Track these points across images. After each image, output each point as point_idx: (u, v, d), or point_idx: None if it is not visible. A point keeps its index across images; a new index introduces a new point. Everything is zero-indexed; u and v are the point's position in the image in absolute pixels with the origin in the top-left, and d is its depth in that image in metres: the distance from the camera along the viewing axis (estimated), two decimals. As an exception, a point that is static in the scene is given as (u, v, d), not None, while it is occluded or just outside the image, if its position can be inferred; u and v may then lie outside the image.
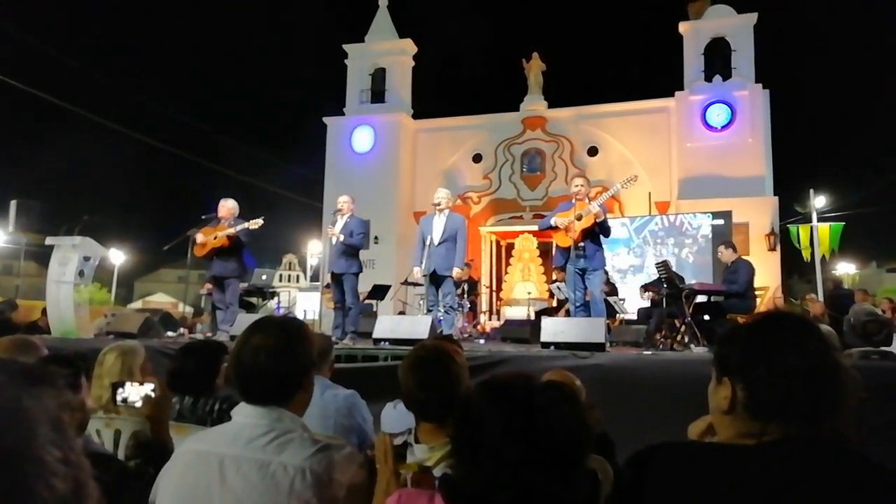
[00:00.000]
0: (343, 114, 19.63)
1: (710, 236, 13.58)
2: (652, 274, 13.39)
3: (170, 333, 8.33)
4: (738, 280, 7.36)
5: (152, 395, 2.26)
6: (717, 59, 16.66)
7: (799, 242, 15.57)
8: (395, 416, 2.82)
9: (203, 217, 8.02)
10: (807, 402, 1.14)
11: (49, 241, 8.37)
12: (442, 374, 2.05)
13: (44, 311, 8.76)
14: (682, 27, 17.15)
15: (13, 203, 12.94)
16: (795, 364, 1.15)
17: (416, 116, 19.54)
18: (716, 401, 1.24)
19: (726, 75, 16.43)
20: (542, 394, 1.27)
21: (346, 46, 19.84)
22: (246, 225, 7.69)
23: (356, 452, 1.67)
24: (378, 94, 19.53)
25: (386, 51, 19.60)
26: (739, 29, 16.67)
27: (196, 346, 3.21)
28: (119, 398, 2.28)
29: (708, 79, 16.56)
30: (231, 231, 7.63)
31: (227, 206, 7.90)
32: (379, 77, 19.67)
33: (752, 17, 16.64)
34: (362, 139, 18.99)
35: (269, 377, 1.65)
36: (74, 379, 1.97)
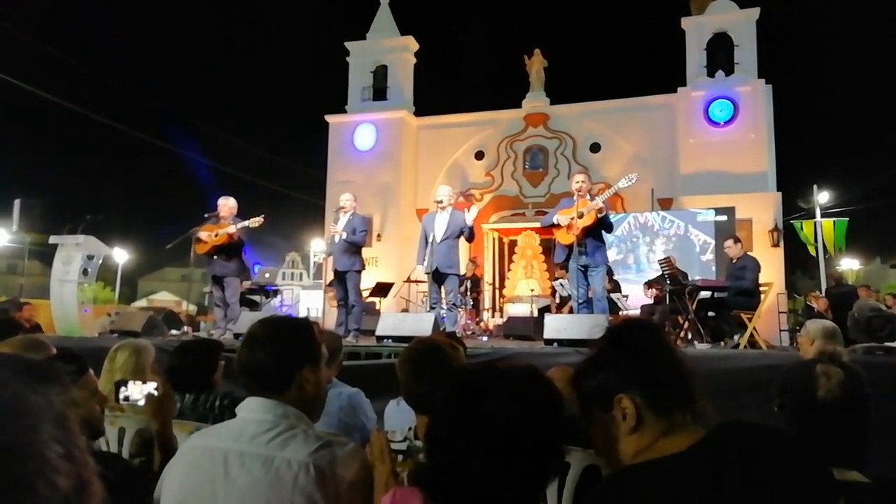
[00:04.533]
0: (345, 111, 19.60)
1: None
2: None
3: (173, 332, 8.35)
4: (746, 277, 7.32)
5: (155, 393, 2.27)
6: (720, 54, 16.56)
7: (802, 229, 15.53)
8: (399, 414, 2.83)
9: (206, 216, 8.04)
10: (688, 384, 1.25)
11: (53, 239, 8.40)
12: (436, 365, 2.04)
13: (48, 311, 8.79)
14: (685, 22, 17.07)
15: (17, 202, 12.94)
16: (666, 353, 1.27)
17: (418, 114, 19.49)
18: (617, 428, 1.25)
19: (729, 70, 16.35)
20: (495, 384, 1.27)
21: (347, 44, 19.80)
22: (246, 223, 7.70)
23: (359, 449, 1.67)
24: (380, 91, 19.48)
25: (388, 48, 19.56)
26: (742, 24, 16.59)
27: (192, 345, 3.22)
28: (122, 396, 2.29)
29: (710, 74, 16.48)
30: (231, 229, 7.65)
31: (228, 205, 7.92)
32: (381, 74, 19.62)
33: (755, 13, 16.56)
34: (364, 137, 18.96)
35: (252, 368, 1.68)
36: (81, 372, 1.98)
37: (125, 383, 2.32)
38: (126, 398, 2.30)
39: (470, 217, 7.15)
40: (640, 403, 1.22)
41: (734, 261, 7.71)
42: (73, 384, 1.83)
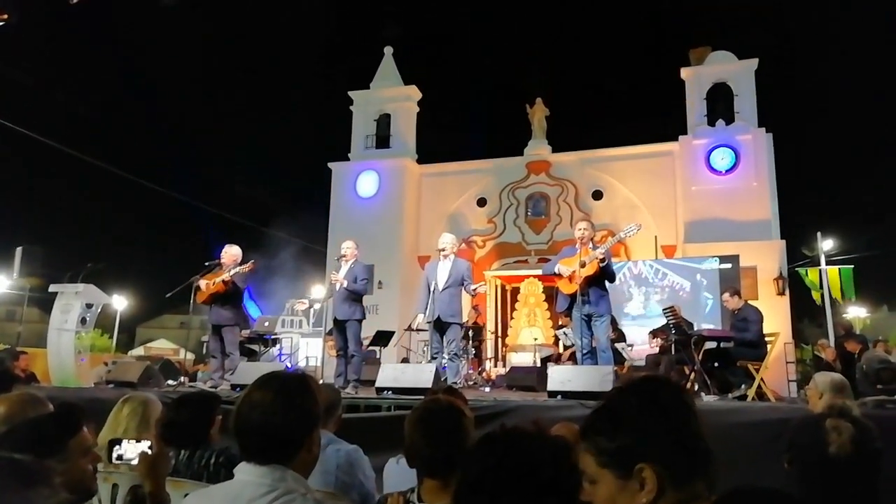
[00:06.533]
0: (348, 159, 19.78)
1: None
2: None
3: (170, 382, 8.26)
4: (749, 329, 7.24)
5: (149, 451, 2.23)
6: (720, 103, 16.79)
7: (808, 276, 15.43)
8: (399, 472, 2.74)
9: (206, 264, 8.02)
10: (707, 446, 1.20)
11: (52, 288, 8.41)
12: (451, 429, 2.00)
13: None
14: (684, 73, 17.33)
15: (18, 250, 12.98)
16: (692, 418, 1.21)
17: (420, 161, 19.67)
18: (630, 497, 1.17)
19: (729, 120, 16.54)
20: (520, 434, 1.31)
21: (351, 93, 20.11)
22: (237, 269, 7.67)
23: (357, 512, 1.63)
24: (383, 139, 19.69)
25: (391, 97, 19.84)
26: (741, 74, 16.85)
27: (189, 398, 3.15)
28: (115, 455, 2.26)
29: (711, 123, 16.66)
30: (226, 276, 7.63)
31: (231, 253, 7.91)
32: (384, 123, 19.86)
33: (753, 63, 16.83)
34: (367, 184, 19.09)
35: (264, 435, 1.63)
36: (76, 430, 1.96)
37: (119, 442, 2.29)
38: (120, 457, 2.27)
39: (472, 288, 7.36)
40: (662, 474, 1.15)
41: (735, 312, 7.65)
42: (67, 446, 1.80)
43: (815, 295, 15.47)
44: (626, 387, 1.29)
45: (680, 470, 1.15)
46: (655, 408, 1.20)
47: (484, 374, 11.84)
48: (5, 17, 7.17)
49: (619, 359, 8.73)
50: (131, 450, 2.26)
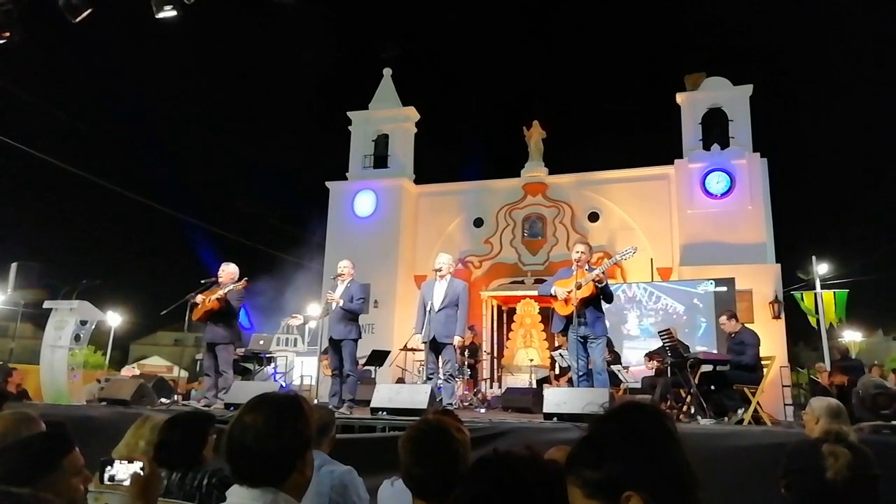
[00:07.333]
0: (346, 178, 19.84)
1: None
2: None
3: (164, 400, 8.21)
4: (746, 352, 7.22)
5: (141, 472, 2.20)
6: (715, 128, 16.89)
7: (803, 300, 15.46)
8: (394, 495, 2.71)
9: (203, 281, 8.00)
10: (693, 471, 1.18)
11: (47, 304, 8.37)
12: (442, 449, 1.98)
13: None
14: (680, 98, 17.46)
15: (14, 265, 12.93)
16: (677, 445, 1.19)
17: (417, 181, 19.74)
18: None
19: (724, 144, 16.63)
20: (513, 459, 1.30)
21: (350, 113, 20.20)
22: (231, 287, 7.67)
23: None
24: (381, 159, 19.76)
25: (389, 118, 19.94)
26: (736, 100, 16.98)
27: (181, 419, 3.14)
28: (107, 476, 2.23)
29: (706, 147, 16.76)
30: (220, 293, 7.62)
31: (228, 271, 7.90)
32: (382, 143, 19.94)
33: (748, 89, 16.98)
34: (364, 203, 19.13)
35: (257, 458, 1.63)
36: (67, 450, 1.94)
37: (111, 462, 2.26)
38: (111, 478, 2.24)
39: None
40: (649, 502, 1.13)
41: (732, 335, 7.63)
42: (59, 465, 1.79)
43: (812, 320, 15.48)
44: (608, 415, 1.27)
45: (667, 496, 1.14)
46: (638, 435, 1.19)
47: (479, 395, 11.78)
48: (7, 34, 7.21)
49: (615, 381, 8.71)
50: (123, 470, 2.23)
